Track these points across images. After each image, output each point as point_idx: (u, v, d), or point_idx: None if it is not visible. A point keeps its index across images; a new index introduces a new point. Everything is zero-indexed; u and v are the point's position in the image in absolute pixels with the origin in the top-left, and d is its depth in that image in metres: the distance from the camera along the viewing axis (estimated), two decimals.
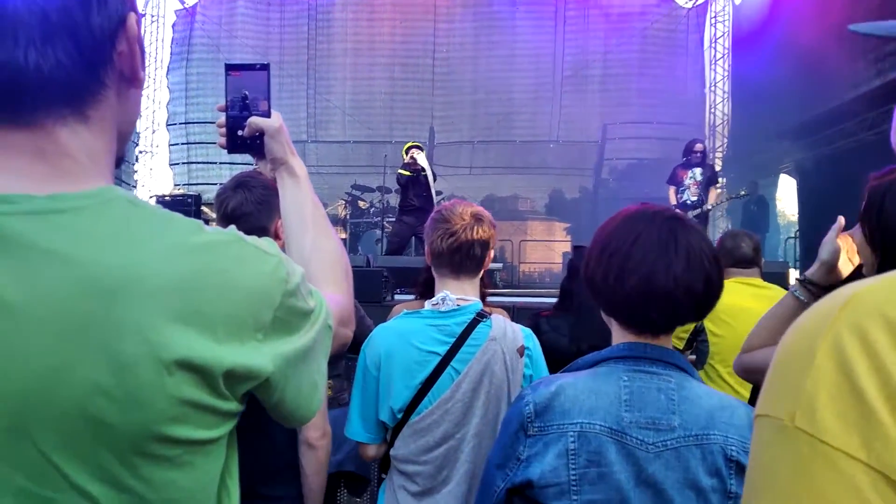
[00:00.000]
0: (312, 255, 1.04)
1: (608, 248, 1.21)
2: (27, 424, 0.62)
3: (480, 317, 1.72)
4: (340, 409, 2.12)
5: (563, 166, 13.32)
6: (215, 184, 12.92)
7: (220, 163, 12.89)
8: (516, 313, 4.55)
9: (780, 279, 5.24)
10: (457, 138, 13.26)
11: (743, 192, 8.37)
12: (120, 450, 0.64)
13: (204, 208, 9.13)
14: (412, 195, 7.18)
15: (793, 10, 9.85)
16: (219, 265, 0.70)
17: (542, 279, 11.63)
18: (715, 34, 13.84)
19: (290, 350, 0.75)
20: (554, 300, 2.78)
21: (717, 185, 7.80)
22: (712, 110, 13.75)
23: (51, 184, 0.67)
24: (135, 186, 13.27)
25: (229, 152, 1.12)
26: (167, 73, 13.83)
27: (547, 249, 12.20)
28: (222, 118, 1.11)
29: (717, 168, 13.37)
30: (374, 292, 4.65)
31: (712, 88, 13.77)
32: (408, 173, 7.17)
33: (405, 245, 7.59)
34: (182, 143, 13.66)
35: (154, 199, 7.77)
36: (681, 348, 2.79)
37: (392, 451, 1.71)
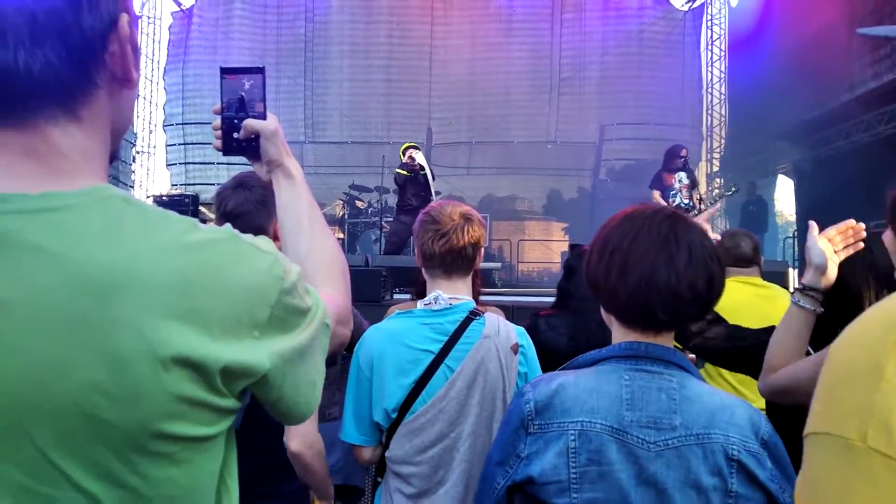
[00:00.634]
0: (309, 256, 1.04)
1: (608, 246, 1.21)
2: (24, 422, 0.62)
3: (473, 315, 1.72)
4: (327, 424, 2.12)
5: (560, 167, 13.32)
6: (213, 184, 12.89)
7: (218, 163, 12.86)
8: (515, 313, 4.55)
9: (779, 279, 5.25)
10: (454, 139, 13.25)
11: (733, 188, 8.39)
12: (118, 447, 0.64)
13: (202, 208, 9.11)
14: (410, 195, 7.19)
15: (789, 12, 9.88)
16: (214, 263, 0.70)
17: (540, 279, 11.66)
18: (711, 36, 13.88)
19: (288, 347, 0.75)
20: (551, 300, 2.77)
21: (707, 190, 7.83)
22: (709, 112, 13.77)
23: (44, 182, 0.67)
24: (132, 187, 13.25)
25: (225, 154, 1.13)
26: (164, 75, 13.82)
27: (545, 249, 12.22)
28: (217, 120, 1.11)
29: (716, 169, 13.43)
30: (372, 292, 4.64)
31: (709, 90, 13.79)
32: (405, 173, 7.18)
33: (403, 245, 7.59)
34: (179, 144, 13.64)
35: (151, 199, 7.75)
36: (681, 347, 2.79)
37: (387, 453, 1.70)
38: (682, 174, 7.26)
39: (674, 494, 1.11)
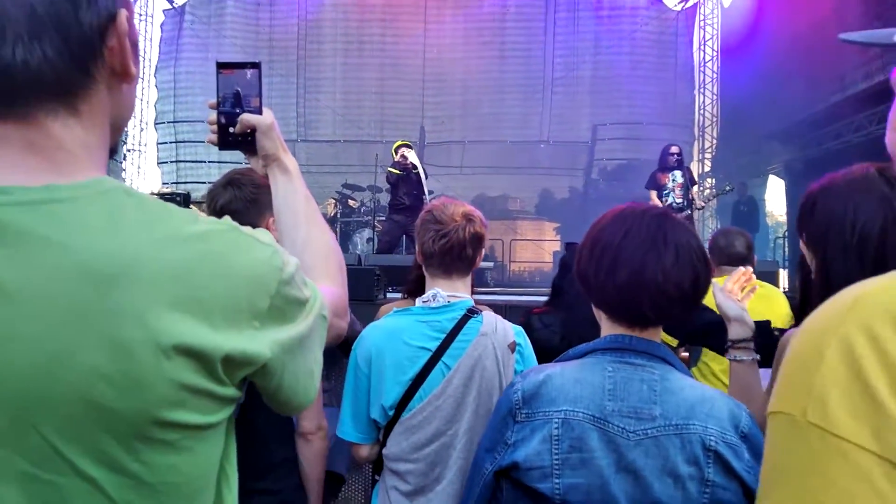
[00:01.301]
0: (305, 249, 1.05)
1: (599, 243, 1.25)
2: (29, 410, 0.63)
3: (471, 312, 1.72)
4: (329, 409, 2.12)
5: (553, 166, 13.36)
6: (204, 182, 12.84)
7: (209, 161, 12.83)
8: (508, 312, 4.54)
9: (771, 278, 5.27)
10: (447, 138, 13.27)
11: (728, 187, 8.44)
12: (121, 434, 0.65)
13: (193, 207, 9.06)
14: (402, 193, 7.15)
15: (780, 12, 9.93)
16: (215, 252, 0.71)
17: (532, 278, 11.68)
18: (704, 37, 13.94)
19: (287, 337, 0.76)
20: (544, 299, 2.78)
21: (698, 189, 7.88)
22: (701, 112, 13.84)
23: (45, 175, 0.68)
24: None
25: (221, 149, 1.13)
26: (155, 72, 13.76)
27: (537, 248, 12.24)
28: (213, 115, 1.11)
29: (707, 168, 13.48)
30: (366, 291, 4.63)
31: (701, 90, 13.86)
32: (397, 172, 7.15)
33: (396, 244, 7.58)
34: (170, 142, 13.59)
35: None
36: (674, 346, 2.80)
37: (384, 451, 1.70)
38: (677, 173, 7.28)
39: (652, 481, 1.15)
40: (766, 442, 0.49)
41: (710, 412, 1.17)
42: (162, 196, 7.43)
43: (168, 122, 13.57)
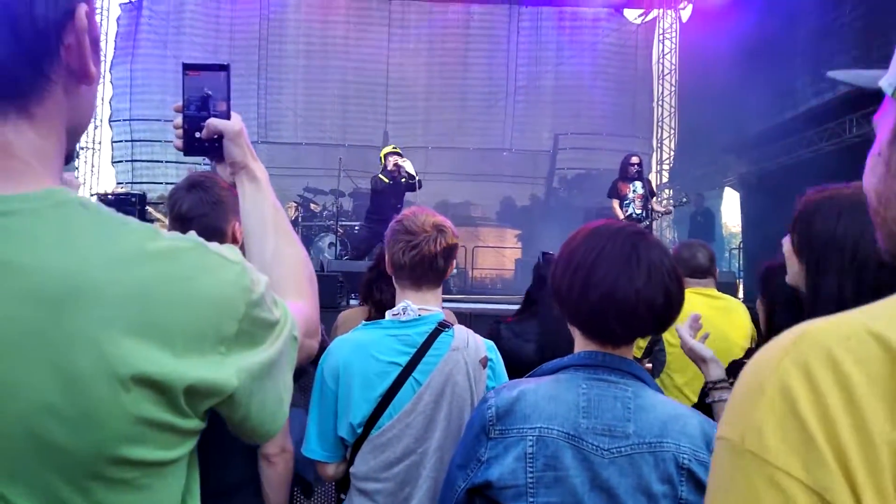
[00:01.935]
0: (274, 262, 1.00)
1: (573, 261, 1.25)
2: None
3: (442, 326, 1.69)
4: (294, 410, 2.06)
5: (515, 174, 13.47)
6: (160, 183, 12.51)
7: (166, 161, 12.51)
8: (472, 320, 4.54)
9: (730, 289, 5.39)
10: (410, 143, 13.22)
11: (684, 199, 8.66)
12: (71, 474, 0.60)
13: (149, 208, 8.82)
14: (387, 204, 6.92)
15: (736, 29, 10.21)
16: (178, 273, 0.65)
17: (493, 285, 11.73)
18: (662, 50, 14.25)
19: (255, 363, 0.71)
20: (508, 307, 2.78)
21: (658, 198, 8.05)
22: (660, 124, 14.13)
23: None
24: None
25: (186, 155, 1.08)
26: (110, 68, 13.36)
27: (498, 255, 12.29)
28: (179, 119, 1.05)
29: (665, 180, 13.77)
30: (329, 297, 4.58)
31: (660, 103, 14.16)
32: (387, 180, 6.96)
33: (368, 252, 7.47)
34: (126, 140, 13.19)
35: (96, 197, 7.45)
36: (639, 357, 2.83)
37: (352, 469, 1.65)
38: (638, 183, 7.41)
39: (626, 500, 1.15)
40: (711, 465, 0.52)
41: (682, 430, 1.18)
42: (117, 196, 7.22)
43: (124, 120, 13.17)
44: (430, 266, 1.69)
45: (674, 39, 14.22)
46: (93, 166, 13.59)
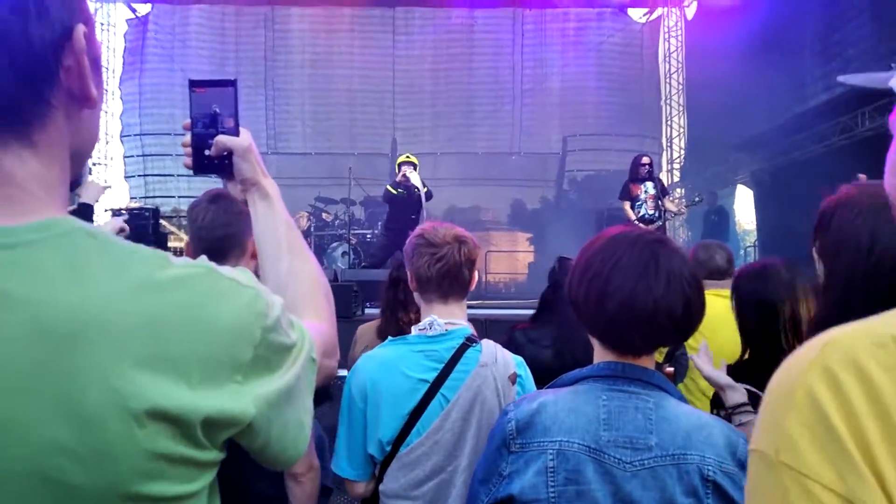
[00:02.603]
0: (289, 281, 0.98)
1: (590, 270, 1.23)
2: None
3: (470, 341, 1.68)
4: None
5: (524, 178, 13.43)
6: (173, 196, 12.59)
7: (178, 175, 12.57)
8: (488, 327, 4.51)
9: None
10: (418, 150, 13.23)
11: (697, 199, 8.60)
12: None
13: (162, 221, 8.88)
14: (401, 214, 6.90)
15: (743, 24, 10.16)
16: (190, 302, 0.64)
17: (507, 289, 11.70)
18: (669, 48, 14.19)
19: (273, 390, 0.69)
20: (523, 311, 2.77)
21: (671, 197, 8.00)
22: (668, 123, 14.07)
23: None
24: None
25: (196, 173, 1.06)
26: (119, 84, 13.47)
27: (511, 259, 12.26)
28: (188, 137, 1.04)
29: (676, 179, 13.70)
30: (344, 307, 4.58)
31: (668, 101, 14.10)
32: (395, 191, 6.92)
33: (385, 260, 7.45)
34: (137, 156, 13.28)
35: (110, 212, 7.50)
36: (660, 362, 2.81)
37: (381, 487, 1.64)
38: (649, 184, 7.37)
39: None
40: (747, 477, 0.53)
41: (707, 440, 1.16)
42: (130, 211, 7.26)
43: (135, 135, 13.26)
44: (457, 277, 1.69)
45: (679, 37, 14.16)
46: (105, 181, 13.70)
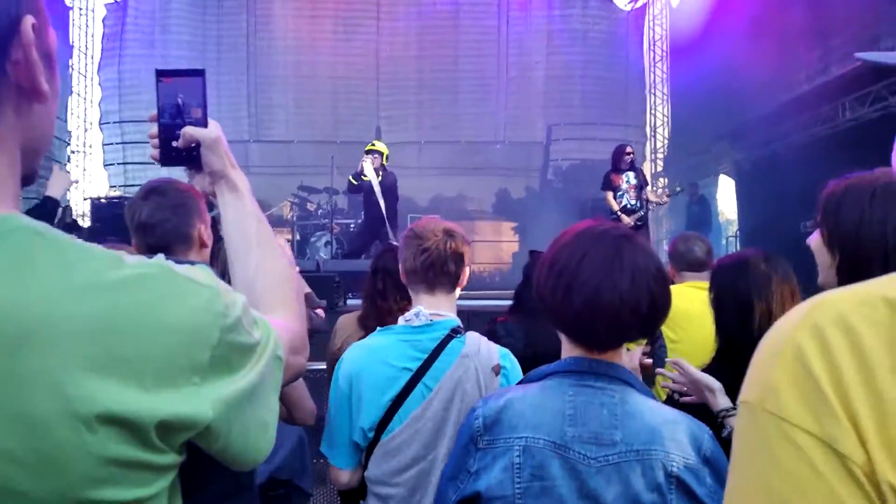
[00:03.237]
0: (258, 276, 0.97)
1: (556, 265, 1.23)
2: None
3: (454, 332, 1.70)
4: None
5: (509, 167, 13.42)
6: None
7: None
8: (470, 318, 4.51)
9: None
10: (403, 138, 13.17)
11: (678, 189, 8.65)
12: None
13: None
14: (372, 200, 6.97)
15: (728, 14, 10.19)
16: (143, 302, 0.62)
17: (492, 279, 11.71)
18: (653, 37, 14.20)
19: (233, 392, 0.68)
20: (507, 302, 2.78)
21: (652, 188, 8.05)
22: (652, 112, 14.10)
23: None
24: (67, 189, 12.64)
25: (163, 165, 1.04)
26: (98, 70, 13.24)
27: (496, 249, 12.27)
28: (155, 128, 1.02)
29: (660, 168, 13.76)
30: (326, 298, 4.55)
31: (652, 90, 14.12)
32: (354, 182, 7.02)
33: (365, 246, 7.45)
34: (117, 143, 13.07)
35: (89, 201, 7.39)
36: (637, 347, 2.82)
37: (366, 473, 1.67)
38: (631, 174, 7.42)
39: None
40: (735, 427, 0.55)
41: (672, 436, 1.17)
42: (110, 200, 7.16)
43: (114, 123, 13.04)
44: (442, 269, 1.71)
45: (664, 26, 14.17)
46: (84, 170, 13.49)
